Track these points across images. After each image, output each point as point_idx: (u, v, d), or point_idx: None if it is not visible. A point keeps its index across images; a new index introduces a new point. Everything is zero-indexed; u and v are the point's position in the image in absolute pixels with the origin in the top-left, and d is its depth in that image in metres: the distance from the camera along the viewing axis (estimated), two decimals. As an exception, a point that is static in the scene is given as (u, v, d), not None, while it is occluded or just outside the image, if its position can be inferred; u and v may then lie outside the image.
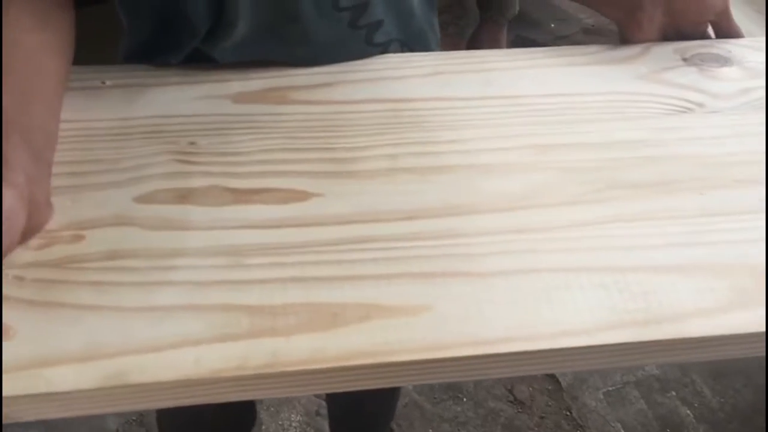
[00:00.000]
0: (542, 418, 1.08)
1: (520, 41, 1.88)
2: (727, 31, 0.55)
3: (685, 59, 0.53)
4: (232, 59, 0.48)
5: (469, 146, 0.45)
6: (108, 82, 0.48)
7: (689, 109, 0.48)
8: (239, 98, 0.47)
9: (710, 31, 0.56)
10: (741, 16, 1.39)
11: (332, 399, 0.97)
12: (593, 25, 2.22)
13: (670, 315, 0.35)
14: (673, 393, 1.02)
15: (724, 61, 0.53)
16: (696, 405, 1.02)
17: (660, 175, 0.43)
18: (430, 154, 0.44)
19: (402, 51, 0.52)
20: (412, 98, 0.48)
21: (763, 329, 0.35)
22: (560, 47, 0.54)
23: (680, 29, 0.55)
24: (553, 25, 2.05)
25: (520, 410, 1.09)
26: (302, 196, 0.40)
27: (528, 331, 0.34)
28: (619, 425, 1.03)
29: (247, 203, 0.39)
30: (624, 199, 0.41)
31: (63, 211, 0.38)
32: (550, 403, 1.08)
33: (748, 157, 0.45)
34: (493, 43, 0.65)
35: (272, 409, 1.13)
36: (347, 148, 0.43)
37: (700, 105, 0.49)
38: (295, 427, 1.09)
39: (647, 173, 0.43)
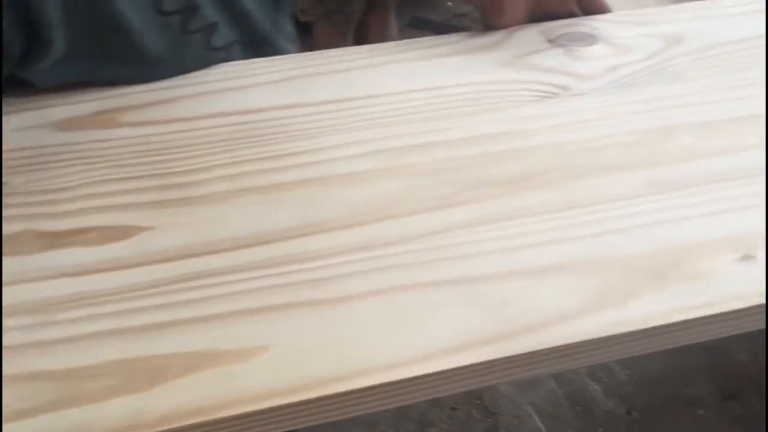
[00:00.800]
0: (454, 409, 1.06)
1: (416, 22, 1.85)
2: (592, 7, 0.53)
3: (550, 41, 0.51)
4: (54, 82, 0.43)
5: (321, 157, 0.41)
6: None
7: (554, 93, 0.46)
8: (65, 125, 0.42)
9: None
10: None
11: None
12: None
13: (532, 324, 0.32)
14: (582, 370, 1.02)
15: (591, 39, 0.51)
16: (605, 380, 1.02)
17: (524, 169, 0.41)
18: (277, 170, 0.40)
19: (246, 54, 0.47)
20: (260, 108, 0.44)
21: (639, 326, 0.32)
22: (421, 39, 0.51)
23: (546, 10, 0.52)
24: (449, 3, 2.02)
25: (432, 404, 1.06)
26: (126, 232, 0.35)
27: (381, 361, 0.31)
28: (530, 408, 1.02)
29: (60, 248, 0.34)
30: (485, 200, 0.38)
31: None
32: (460, 394, 1.07)
33: (613, 140, 0.42)
34: (382, 29, 0.62)
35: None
36: (182, 171, 0.39)
37: (565, 88, 0.46)
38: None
39: (511, 168, 0.41)
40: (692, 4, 0.54)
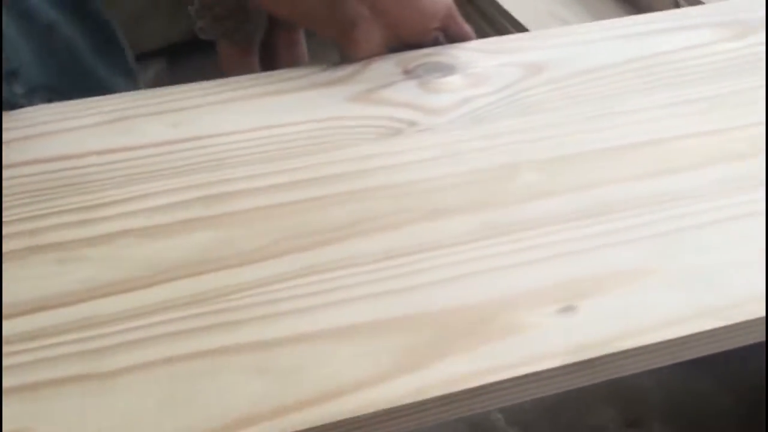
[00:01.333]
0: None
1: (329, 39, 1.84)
2: (455, 35, 0.51)
3: (407, 72, 0.48)
4: None
5: (134, 206, 0.38)
6: None
7: (399, 130, 0.43)
8: None
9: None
10: (557, 4, 1.37)
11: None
12: None
13: (323, 394, 0.30)
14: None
15: (449, 69, 0.48)
16: (507, 407, 0.99)
17: (354, 214, 0.38)
18: (85, 223, 0.37)
19: (65, 96, 0.44)
20: (75, 154, 0.41)
21: (435, 394, 0.30)
22: (270, 73, 0.48)
23: (405, 41, 0.50)
24: None
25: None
26: None
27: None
28: (430, 440, 0.99)
29: None
30: (300, 251, 0.36)
31: None
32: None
33: (453, 180, 0.40)
34: (290, 48, 0.59)
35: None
36: (-27, 230, 0.36)
37: (412, 124, 0.44)
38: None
39: (338, 214, 0.38)
40: (559, 30, 0.52)
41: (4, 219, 0.37)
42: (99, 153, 0.41)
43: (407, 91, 0.47)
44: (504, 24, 1.49)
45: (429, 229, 0.37)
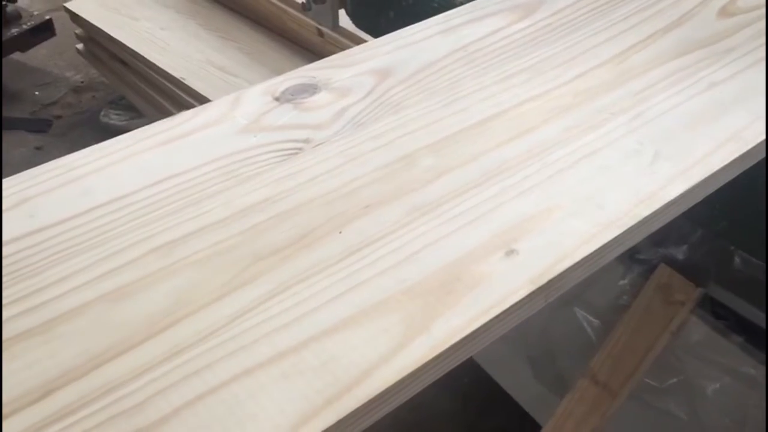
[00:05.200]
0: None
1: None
2: None
3: (277, 99, 0.52)
4: None
5: (79, 280, 0.38)
6: None
7: (299, 149, 0.47)
8: None
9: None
10: (213, 51, 1.44)
11: None
12: (83, 82, 2.20)
13: (356, 377, 0.33)
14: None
15: (313, 88, 0.53)
16: None
17: (296, 229, 0.42)
18: (32, 310, 0.36)
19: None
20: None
21: (442, 348, 0.35)
22: (145, 128, 0.49)
23: None
24: (36, 93, 1.99)
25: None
26: None
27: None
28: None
29: None
30: (272, 269, 0.39)
31: None
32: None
33: (365, 179, 0.45)
34: None
35: None
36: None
37: (307, 141, 0.48)
38: None
39: (285, 232, 0.41)
40: (386, 37, 0.59)
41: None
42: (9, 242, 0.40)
43: (286, 114, 0.51)
44: (161, 81, 1.50)
45: (369, 223, 0.42)
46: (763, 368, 0.74)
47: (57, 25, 2.07)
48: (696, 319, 0.80)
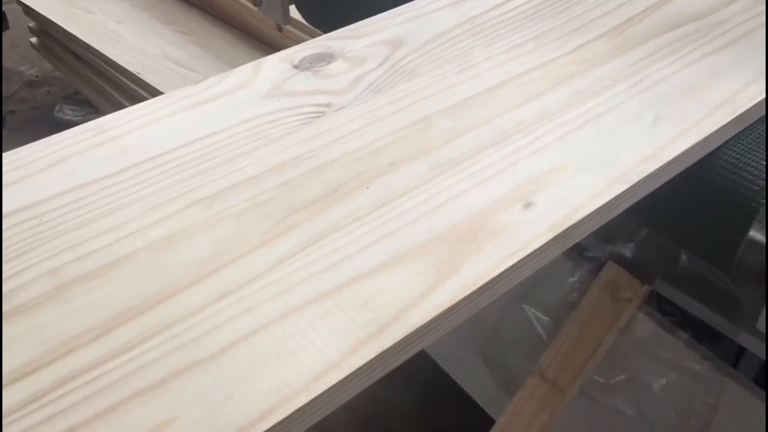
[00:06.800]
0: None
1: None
2: None
3: (296, 66, 0.55)
4: None
5: (126, 231, 0.40)
6: None
7: (321, 112, 0.50)
8: None
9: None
10: (170, 45, 1.45)
11: None
12: (37, 77, 2.18)
13: (395, 314, 0.36)
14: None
15: (329, 57, 0.56)
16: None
17: (327, 183, 0.44)
18: (85, 257, 0.39)
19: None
20: (43, 199, 0.42)
21: (471, 289, 0.38)
22: (173, 93, 0.51)
23: None
24: None
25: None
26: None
27: (284, 393, 0.32)
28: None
29: None
30: (307, 220, 0.41)
31: None
32: None
33: (387, 139, 0.48)
34: None
35: None
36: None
37: (328, 105, 0.51)
38: None
39: (316, 186, 0.44)
40: (397, 10, 0.62)
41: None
42: (59, 195, 0.42)
43: (306, 81, 0.53)
44: (116, 76, 1.47)
45: (394, 178, 0.45)
46: (708, 363, 0.74)
47: (10, 18, 2.00)
48: (643, 316, 0.81)
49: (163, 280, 0.37)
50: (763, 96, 0.52)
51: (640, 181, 0.45)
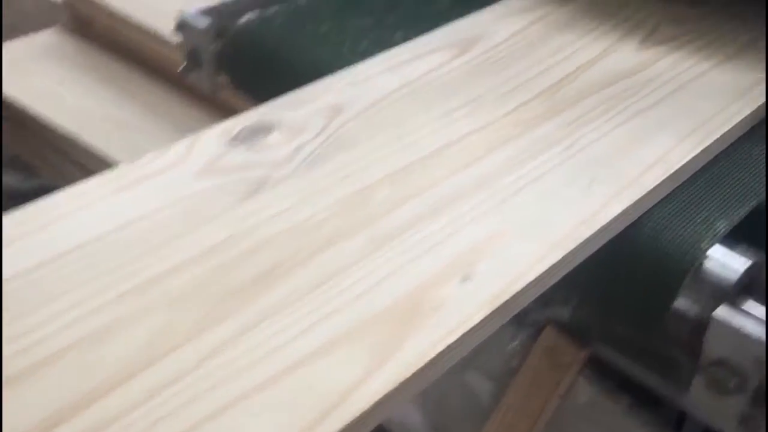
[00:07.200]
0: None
1: None
2: None
3: (233, 139, 0.54)
4: None
5: (54, 325, 0.39)
6: None
7: (259, 187, 0.49)
8: None
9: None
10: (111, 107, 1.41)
11: None
12: None
13: (335, 401, 0.35)
14: None
15: (268, 128, 0.55)
16: None
17: (263, 263, 0.43)
18: (9, 358, 0.37)
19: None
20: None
21: (412, 371, 0.37)
22: (102, 174, 0.50)
23: None
24: None
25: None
26: None
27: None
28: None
29: None
30: (243, 305, 0.40)
31: None
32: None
33: (328, 212, 0.47)
34: None
35: None
36: None
37: (266, 179, 0.50)
38: None
39: (253, 267, 0.43)
40: (336, 75, 0.62)
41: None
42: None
43: (243, 154, 0.53)
44: (57, 139, 1.43)
45: (333, 255, 0.44)
46: (649, 429, 0.73)
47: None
48: (583, 381, 0.78)
49: (91, 381, 0.36)
50: (697, 152, 0.53)
51: (577, 246, 0.45)
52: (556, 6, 0.71)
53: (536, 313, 0.73)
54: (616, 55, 0.64)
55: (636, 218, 0.50)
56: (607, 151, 0.53)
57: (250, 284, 0.42)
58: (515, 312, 0.42)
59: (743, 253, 0.47)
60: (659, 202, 0.51)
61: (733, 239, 0.49)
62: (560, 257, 0.44)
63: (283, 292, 0.41)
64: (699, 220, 0.49)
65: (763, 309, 0.46)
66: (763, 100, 0.58)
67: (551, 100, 0.59)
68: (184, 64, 0.75)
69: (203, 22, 0.72)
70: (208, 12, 0.74)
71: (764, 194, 0.52)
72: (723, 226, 0.49)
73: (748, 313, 0.45)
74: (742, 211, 0.50)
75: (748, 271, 0.46)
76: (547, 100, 0.59)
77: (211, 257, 0.44)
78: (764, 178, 0.53)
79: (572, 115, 0.57)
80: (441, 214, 0.47)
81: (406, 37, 0.68)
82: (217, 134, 0.55)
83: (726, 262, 0.47)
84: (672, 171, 0.51)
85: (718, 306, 0.45)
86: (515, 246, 0.45)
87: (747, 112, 0.56)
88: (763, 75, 0.60)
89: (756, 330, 0.43)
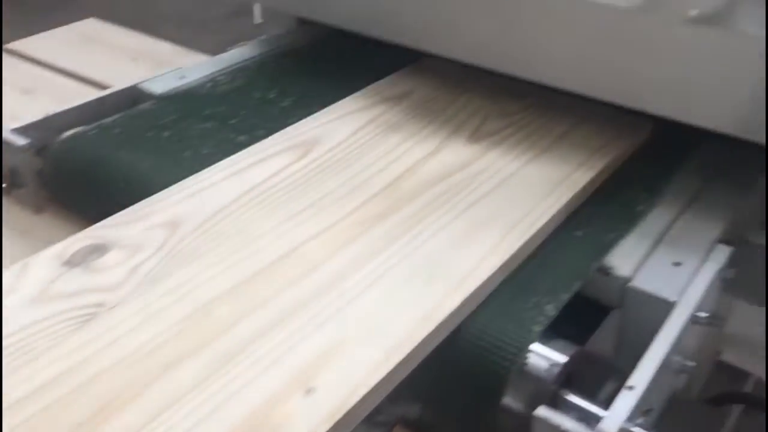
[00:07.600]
0: None
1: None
2: None
3: (66, 262, 0.52)
4: None
5: None
6: None
7: (93, 314, 0.48)
8: None
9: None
10: None
11: None
12: None
13: None
14: None
15: (102, 248, 0.54)
16: None
17: (97, 399, 0.42)
18: None
19: None
20: None
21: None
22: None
23: None
24: None
25: None
26: None
27: None
28: None
29: None
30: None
31: None
32: None
33: (166, 335, 0.46)
34: None
35: None
36: None
37: (101, 305, 0.49)
38: None
39: (85, 405, 0.41)
40: (174, 187, 0.61)
41: None
42: None
43: (77, 278, 0.51)
44: None
45: (170, 383, 0.43)
46: None
47: None
48: None
49: None
50: (525, 239, 0.57)
51: (416, 347, 0.46)
52: (389, 106, 0.75)
53: (386, 412, 0.73)
54: (448, 150, 0.68)
55: (473, 309, 0.52)
56: (444, 245, 0.56)
57: (83, 423, 0.40)
58: (358, 421, 0.42)
59: (561, 349, 0.50)
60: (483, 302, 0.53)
61: (553, 332, 0.51)
62: (399, 360, 0.45)
63: (117, 429, 0.40)
64: (529, 306, 0.52)
65: (583, 401, 0.49)
66: (572, 193, 0.62)
67: (390, 197, 0.61)
68: (5, 183, 0.72)
69: (21, 141, 0.70)
70: (26, 129, 0.72)
71: (586, 276, 0.56)
72: (552, 310, 0.52)
73: (569, 407, 0.47)
74: (568, 294, 0.54)
75: (567, 365, 0.49)
76: (386, 198, 0.61)
77: (42, 397, 0.42)
78: (587, 260, 0.57)
79: (410, 210, 0.59)
80: (282, 326, 0.47)
81: (251, 140, 0.69)
82: (49, 258, 0.53)
83: (546, 356, 0.49)
84: (503, 261, 0.54)
85: (542, 402, 0.47)
86: (354, 354, 0.45)
87: (558, 207, 0.60)
88: (572, 168, 0.65)
89: (575, 427, 0.45)
